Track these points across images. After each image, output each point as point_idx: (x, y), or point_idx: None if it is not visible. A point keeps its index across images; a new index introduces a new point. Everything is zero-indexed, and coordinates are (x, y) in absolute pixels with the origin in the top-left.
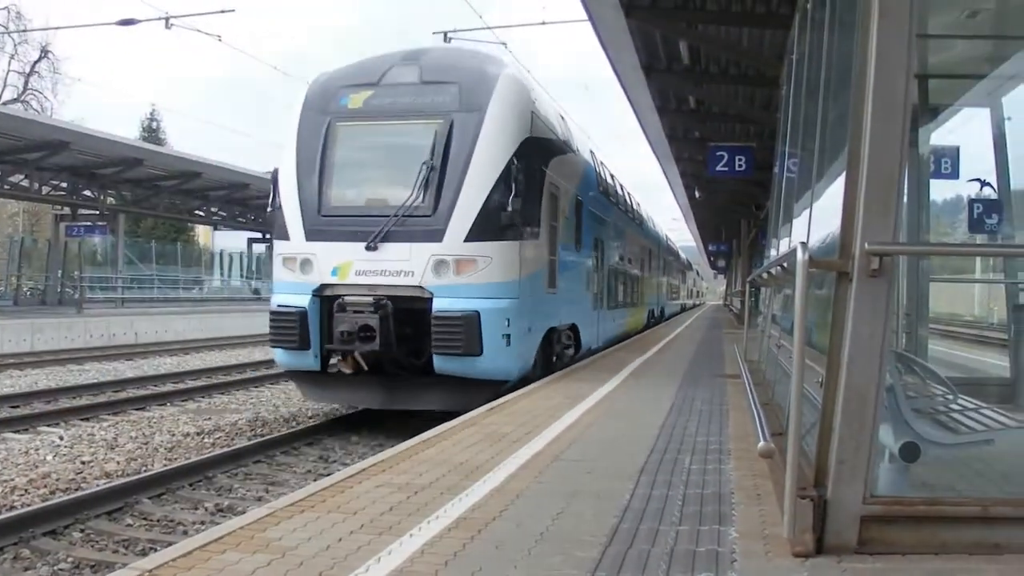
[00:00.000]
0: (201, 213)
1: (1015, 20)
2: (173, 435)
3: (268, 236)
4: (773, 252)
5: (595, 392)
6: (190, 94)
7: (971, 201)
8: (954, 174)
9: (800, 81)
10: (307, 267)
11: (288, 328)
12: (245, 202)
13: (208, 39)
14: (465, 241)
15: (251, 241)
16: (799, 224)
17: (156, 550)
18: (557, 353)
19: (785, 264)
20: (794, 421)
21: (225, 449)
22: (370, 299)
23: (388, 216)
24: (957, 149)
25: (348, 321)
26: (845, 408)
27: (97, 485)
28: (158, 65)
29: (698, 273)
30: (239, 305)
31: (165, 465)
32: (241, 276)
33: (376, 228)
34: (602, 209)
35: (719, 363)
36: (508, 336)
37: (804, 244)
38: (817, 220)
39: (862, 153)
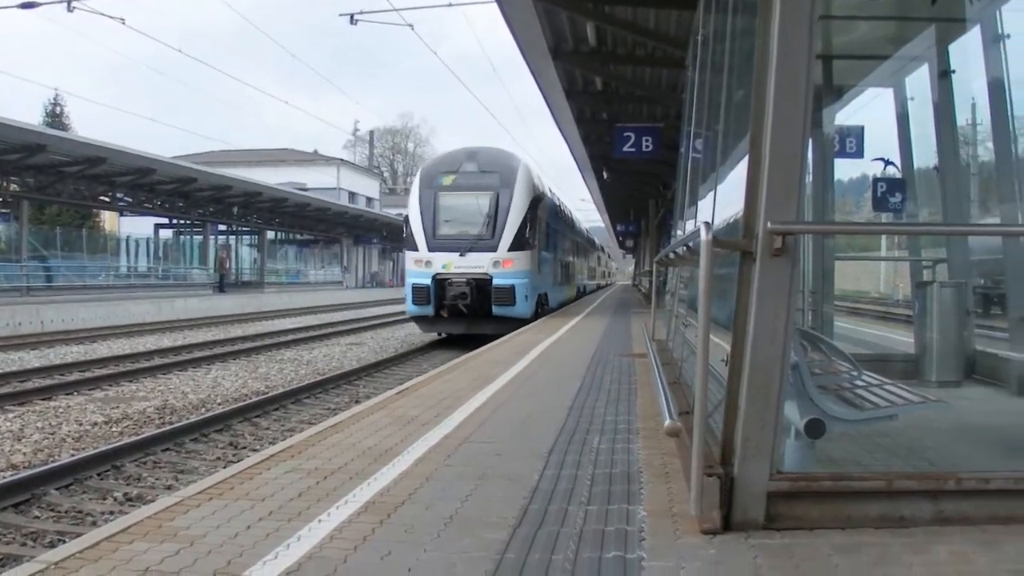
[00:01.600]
0: (107, 199)
1: (916, 1)
2: (80, 424)
3: (177, 222)
4: (680, 232)
5: (504, 374)
6: (94, 78)
7: (875, 180)
8: (858, 153)
9: (705, 62)
10: (429, 264)
11: (422, 295)
12: (152, 187)
13: (112, 22)
14: (508, 251)
15: (158, 227)
16: (704, 204)
17: (64, 542)
18: (541, 306)
19: (690, 244)
20: (699, 400)
21: (134, 438)
22: (464, 279)
23: (470, 239)
24: (862, 129)
25: (456, 289)
26: (750, 386)
27: (3, 477)
28: (61, 49)
29: (608, 255)
30: (146, 292)
31: (72, 455)
32: (148, 262)
33: (464, 246)
34: (557, 224)
35: (627, 342)
36: (527, 296)
37: (708, 224)
38: (722, 200)
39: (764, 133)
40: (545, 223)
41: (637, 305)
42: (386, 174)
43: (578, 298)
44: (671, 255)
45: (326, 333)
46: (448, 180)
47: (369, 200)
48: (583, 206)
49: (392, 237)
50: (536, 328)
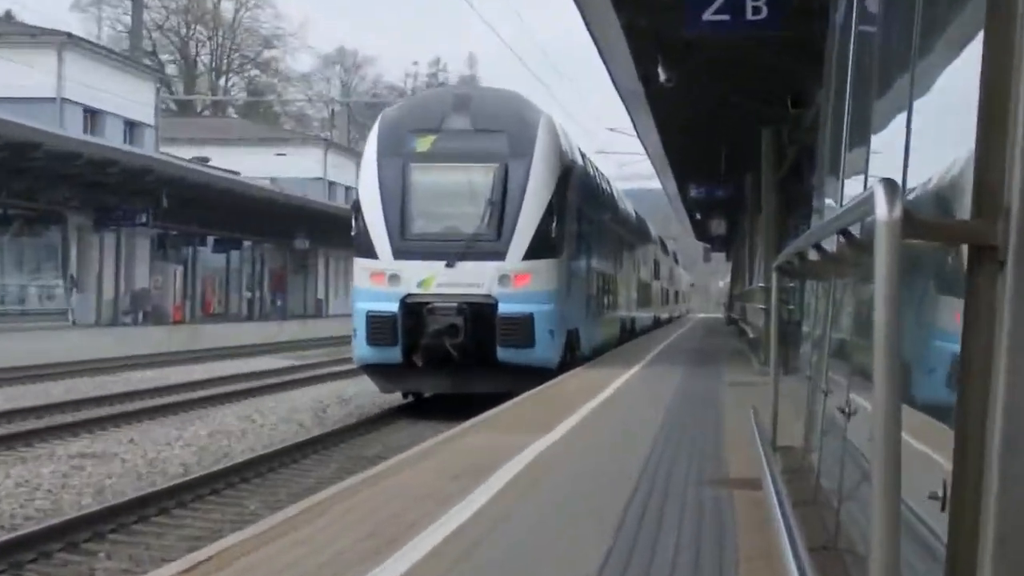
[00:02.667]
0: None
1: None
2: None
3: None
4: (829, 205)
5: (436, 521)
6: None
7: None
8: None
9: None
10: (394, 281)
11: (383, 330)
12: None
13: None
14: (523, 259)
15: None
16: (885, 145)
17: None
18: (571, 350)
19: (851, 230)
20: None
21: None
22: (453, 305)
23: (462, 241)
24: None
25: (439, 321)
26: (1002, 540)
27: None
28: None
29: (676, 258)
30: None
31: None
32: None
33: (452, 250)
34: (596, 213)
35: (714, 447)
36: (552, 332)
37: (892, 186)
38: (925, 142)
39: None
40: (579, 212)
41: (736, 359)
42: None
43: (624, 339)
44: (806, 255)
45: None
46: (425, 143)
47: (348, 191)
48: (627, 159)
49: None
50: (553, 391)
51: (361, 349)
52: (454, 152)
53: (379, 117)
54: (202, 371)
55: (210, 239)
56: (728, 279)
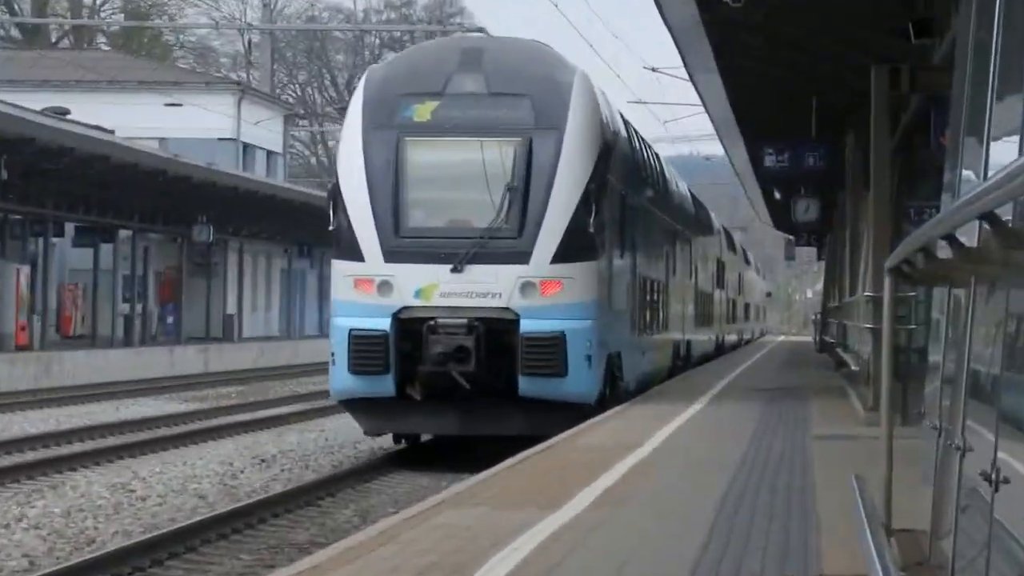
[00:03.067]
0: None
1: None
2: None
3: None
4: (970, 176)
5: None
6: None
7: None
8: None
9: None
10: (385, 289)
11: (370, 352)
12: None
13: None
14: (553, 262)
15: None
16: None
17: None
18: (612, 382)
19: (1000, 213)
20: None
21: None
22: (462, 322)
23: (473, 238)
24: None
25: (443, 342)
26: None
27: None
28: None
29: (747, 258)
30: None
31: None
32: None
33: (460, 250)
34: (643, 198)
35: (802, 540)
36: (589, 357)
37: None
38: None
39: None
40: (623, 200)
41: (830, 401)
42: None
43: (676, 370)
44: (933, 250)
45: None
46: (425, 112)
47: (270, 156)
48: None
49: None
50: (576, 442)
51: (341, 379)
52: (463, 123)
53: (364, 77)
54: (57, 419)
55: (70, 227)
56: (820, 286)
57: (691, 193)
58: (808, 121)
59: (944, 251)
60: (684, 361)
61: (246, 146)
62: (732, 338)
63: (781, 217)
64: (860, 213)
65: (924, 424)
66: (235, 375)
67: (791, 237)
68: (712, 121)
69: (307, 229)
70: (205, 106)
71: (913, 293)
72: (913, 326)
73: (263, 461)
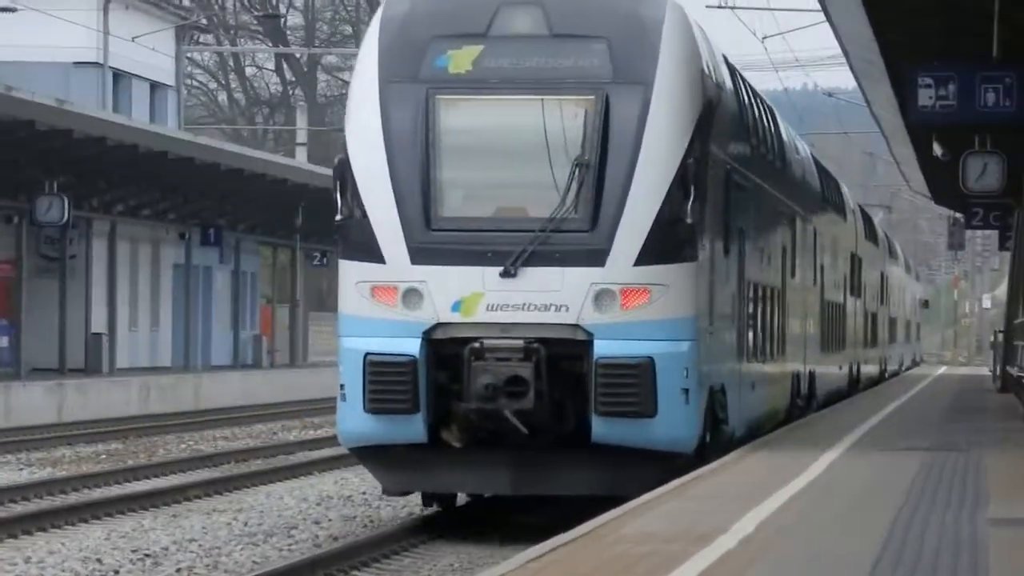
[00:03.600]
0: None
1: None
2: None
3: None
4: None
5: None
6: None
7: None
8: None
9: None
10: (413, 299)
11: (393, 384)
12: None
13: None
14: (638, 264)
15: None
16: None
17: None
18: (714, 425)
19: None
20: None
21: None
22: (519, 343)
23: (529, 231)
24: None
25: (492, 371)
26: None
27: None
28: None
29: (889, 247)
30: None
31: None
32: None
33: (512, 247)
34: (754, 175)
35: None
36: (686, 391)
37: None
38: None
39: None
40: (728, 179)
41: (1017, 466)
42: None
43: (794, 415)
44: None
45: None
46: (464, 59)
47: (156, 90)
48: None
49: None
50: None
51: (353, 420)
52: (515, 75)
53: (380, 12)
54: None
55: None
56: (1002, 290)
57: (815, 160)
58: (988, 34)
59: None
60: (805, 401)
61: (118, 75)
62: (870, 369)
63: (943, 184)
64: None
65: None
66: (105, 426)
67: (959, 216)
68: (838, 35)
69: (216, 201)
70: (52, 11)
71: None
72: None
73: (148, 557)
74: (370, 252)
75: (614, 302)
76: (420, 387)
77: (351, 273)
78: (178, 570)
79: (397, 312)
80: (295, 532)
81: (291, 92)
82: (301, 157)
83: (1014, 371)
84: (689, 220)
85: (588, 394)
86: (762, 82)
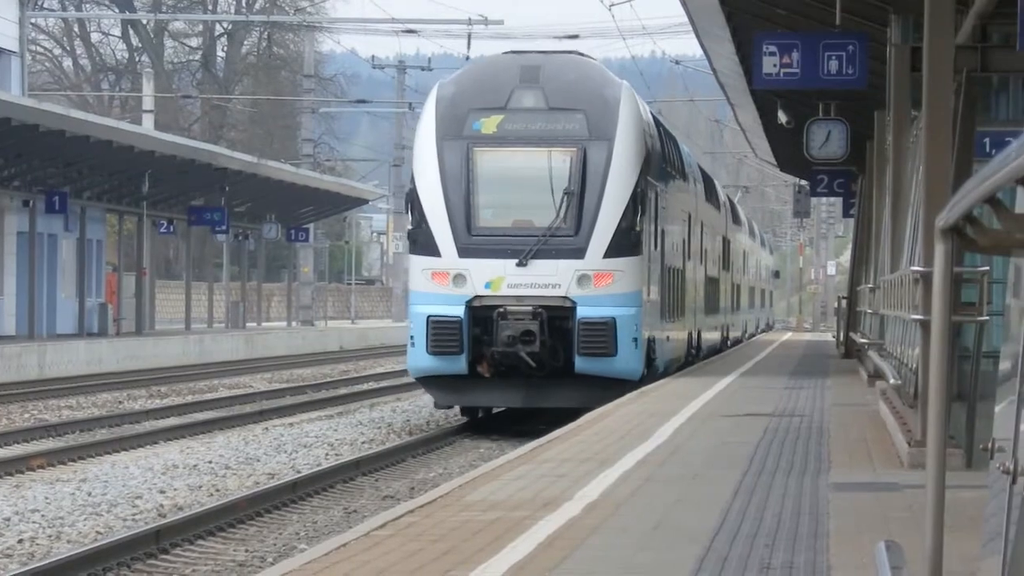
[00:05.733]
0: None
1: None
2: None
3: None
4: None
5: None
6: None
7: None
8: None
9: None
10: (459, 280)
11: (446, 336)
12: None
13: None
14: (606, 256)
15: None
16: None
17: None
18: (649, 361)
19: None
20: None
21: None
22: (528, 309)
23: (535, 236)
24: None
25: (512, 327)
26: None
27: None
28: None
29: (750, 228)
30: None
31: None
32: None
33: (524, 247)
34: (671, 194)
35: None
36: (635, 340)
37: None
38: None
39: None
40: (658, 200)
41: (853, 430)
42: None
43: (689, 362)
44: (1005, 200)
45: None
46: (491, 124)
47: None
48: None
49: None
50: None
51: (419, 358)
52: (525, 134)
53: (434, 91)
54: None
55: None
56: (847, 257)
57: (700, 168)
58: (830, 2)
59: None
60: (696, 351)
61: None
62: (736, 333)
63: (788, 152)
64: (907, 145)
65: (992, 466)
66: None
67: (804, 183)
68: (684, 3)
69: (61, 168)
70: None
71: (985, 268)
72: (984, 317)
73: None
74: (431, 249)
75: (590, 282)
76: (463, 337)
77: (419, 263)
78: (20, 540)
79: (449, 289)
80: (139, 502)
81: (138, 59)
82: (148, 124)
83: (857, 337)
84: (637, 228)
85: (573, 341)
86: (610, 50)
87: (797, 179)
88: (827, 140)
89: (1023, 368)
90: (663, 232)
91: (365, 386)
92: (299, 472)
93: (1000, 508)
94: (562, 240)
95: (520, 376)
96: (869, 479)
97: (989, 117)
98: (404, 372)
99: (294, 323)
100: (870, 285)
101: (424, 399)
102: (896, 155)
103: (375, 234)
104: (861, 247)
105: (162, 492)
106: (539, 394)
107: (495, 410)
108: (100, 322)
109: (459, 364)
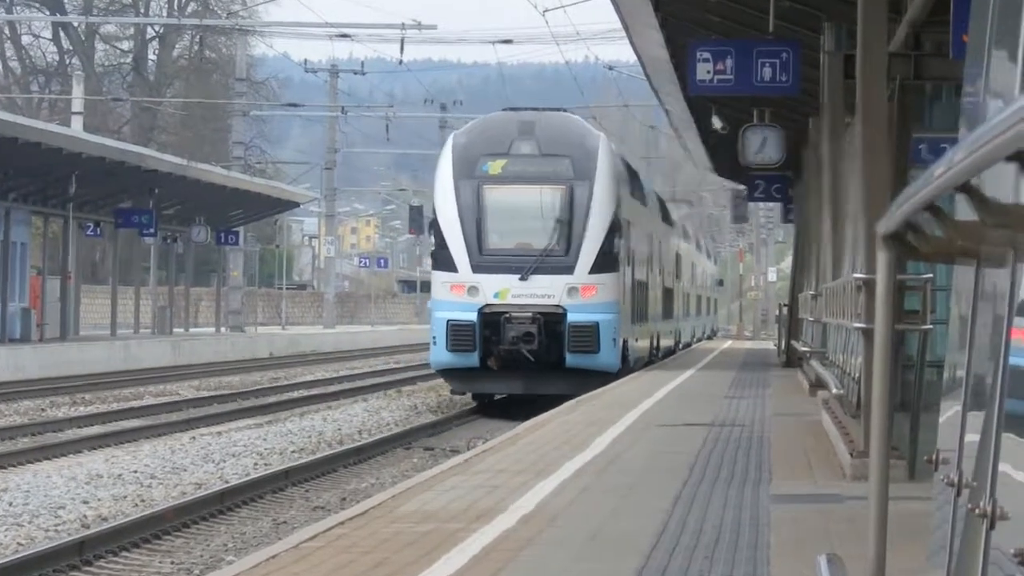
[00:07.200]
0: None
1: None
2: None
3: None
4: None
5: None
6: None
7: None
8: None
9: None
10: (473, 291)
11: (462, 336)
12: None
13: None
14: (590, 272)
15: None
16: None
17: None
18: (623, 357)
19: None
20: None
21: None
22: (528, 314)
23: (533, 256)
24: None
25: (516, 329)
26: None
27: None
28: None
29: (696, 241)
30: None
31: None
32: None
33: (525, 264)
34: (638, 221)
35: None
36: (614, 340)
37: None
38: None
39: None
40: (629, 226)
41: (795, 445)
42: None
43: (651, 359)
44: (944, 208)
45: None
46: (497, 167)
47: None
48: None
49: None
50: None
51: (440, 355)
52: (524, 175)
53: (450, 141)
54: None
55: None
56: (788, 264)
57: (656, 194)
58: (765, 9)
59: (966, 208)
60: (657, 351)
61: None
62: (687, 337)
63: (724, 157)
64: (842, 152)
65: (936, 477)
66: None
67: (742, 188)
68: (618, 9)
69: None
70: None
71: (928, 275)
72: (928, 326)
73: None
74: (450, 266)
75: (578, 293)
76: (476, 337)
77: (440, 277)
78: None
79: (464, 298)
80: (62, 512)
81: (68, 61)
82: (77, 126)
83: (798, 345)
84: (615, 250)
85: (564, 341)
86: (544, 55)
87: (735, 184)
88: (763, 146)
89: (968, 378)
90: (633, 252)
91: (295, 394)
92: (227, 482)
93: (945, 520)
94: (555, 259)
95: (522, 369)
96: (811, 491)
97: (923, 126)
98: (336, 380)
99: (223, 329)
100: (812, 292)
101: (355, 408)
102: (832, 161)
103: (306, 238)
104: (802, 253)
105: (85, 502)
106: (537, 383)
107: (496, 396)
108: (23, 327)
109: (472, 359)
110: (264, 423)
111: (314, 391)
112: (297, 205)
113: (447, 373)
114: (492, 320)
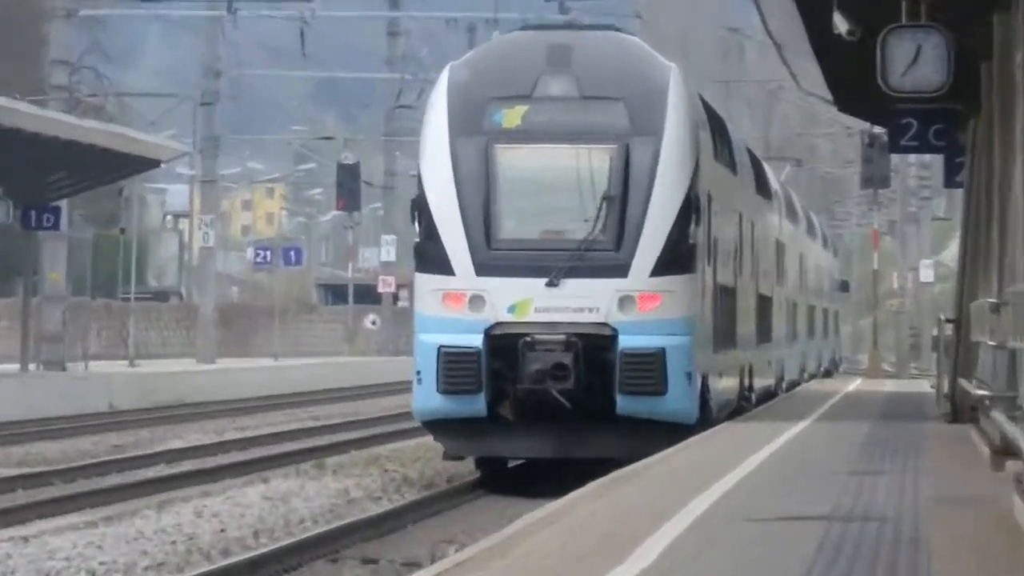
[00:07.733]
0: None
1: None
2: None
3: None
4: None
5: None
6: None
7: None
8: None
9: None
10: (477, 304)
11: (461, 370)
12: None
13: None
14: (653, 275)
15: None
16: None
17: None
18: (703, 401)
19: None
20: None
21: None
22: (560, 338)
23: (568, 250)
24: None
25: (541, 359)
26: None
27: None
28: None
29: (810, 227)
30: None
31: None
32: None
33: (555, 263)
34: (727, 196)
35: None
36: (689, 375)
37: None
38: None
39: None
40: (712, 204)
41: (988, 549)
42: None
43: (740, 408)
44: None
45: None
46: (514, 116)
47: None
48: None
49: None
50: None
51: (427, 399)
52: (556, 128)
53: (445, 75)
54: None
55: None
56: (953, 255)
57: (749, 152)
58: None
59: None
60: (750, 392)
61: None
62: (792, 375)
63: (852, 81)
64: None
65: None
66: None
67: (879, 131)
68: None
69: None
70: None
71: None
72: None
73: None
74: (442, 266)
75: (634, 305)
76: (482, 373)
77: (427, 283)
78: None
79: (464, 313)
80: None
81: None
82: None
83: (972, 387)
84: (691, 240)
85: (614, 377)
86: None
87: (867, 124)
88: (916, 60)
89: None
90: (716, 243)
91: (151, 472)
92: None
93: None
94: (600, 255)
95: (550, 419)
96: None
97: None
98: (217, 447)
99: (32, 365)
100: (994, 300)
101: (248, 494)
102: None
103: (170, 217)
104: (977, 237)
105: None
106: (573, 441)
107: (511, 463)
108: None
109: (477, 405)
110: (100, 520)
111: (183, 466)
112: (157, 164)
113: (438, 427)
114: (506, 346)
